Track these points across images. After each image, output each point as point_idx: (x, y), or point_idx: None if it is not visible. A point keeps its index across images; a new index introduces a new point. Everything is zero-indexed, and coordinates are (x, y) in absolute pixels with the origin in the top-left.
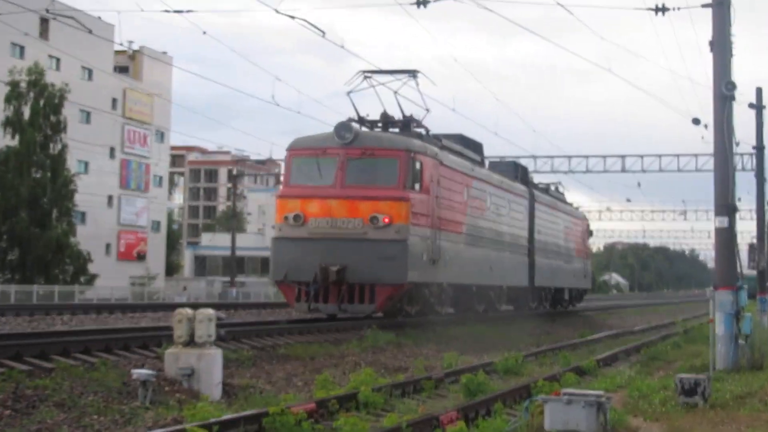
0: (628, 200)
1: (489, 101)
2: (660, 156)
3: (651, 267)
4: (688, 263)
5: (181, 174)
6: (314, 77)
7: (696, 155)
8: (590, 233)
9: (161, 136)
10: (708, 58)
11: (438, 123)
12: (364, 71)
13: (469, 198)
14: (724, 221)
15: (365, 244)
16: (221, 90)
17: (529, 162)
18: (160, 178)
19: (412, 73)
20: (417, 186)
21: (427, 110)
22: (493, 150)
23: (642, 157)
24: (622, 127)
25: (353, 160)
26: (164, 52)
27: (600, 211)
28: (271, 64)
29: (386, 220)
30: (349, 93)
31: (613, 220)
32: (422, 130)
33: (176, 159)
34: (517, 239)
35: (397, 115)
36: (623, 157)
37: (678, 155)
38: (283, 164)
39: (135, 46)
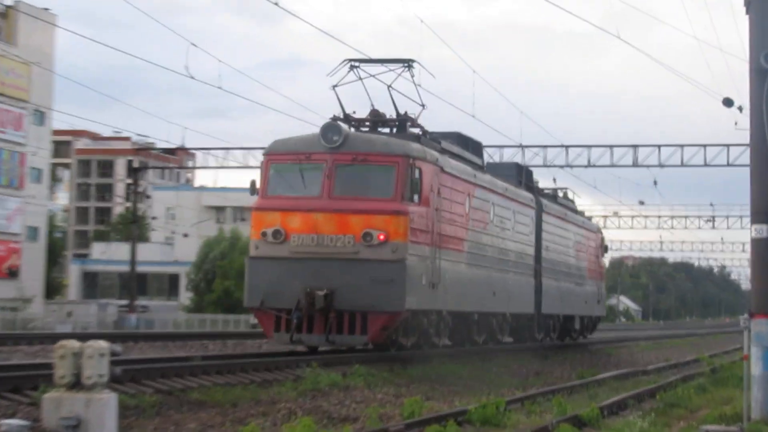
0: (641, 203)
1: (463, 73)
2: (682, 146)
3: (670, 288)
4: (717, 284)
5: (67, 166)
6: (240, 43)
7: (728, 146)
8: (605, 249)
9: (41, 117)
10: (744, 21)
11: (400, 103)
12: (351, 60)
13: (471, 209)
14: (762, 230)
15: (357, 265)
16: (119, 59)
17: (515, 154)
18: (39, 171)
19: (407, 63)
20: (416, 197)
21: (423, 106)
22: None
23: (659, 147)
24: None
25: (343, 167)
26: (46, 9)
27: (605, 217)
28: (184, 26)
29: (381, 237)
30: (334, 87)
31: (622, 229)
32: (418, 130)
33: (60, 147)
34: (522, 257)
35: (389, 113)
36: (635, 147)
37: (705, 145)
38: (259, 171)
39: (8, 1)
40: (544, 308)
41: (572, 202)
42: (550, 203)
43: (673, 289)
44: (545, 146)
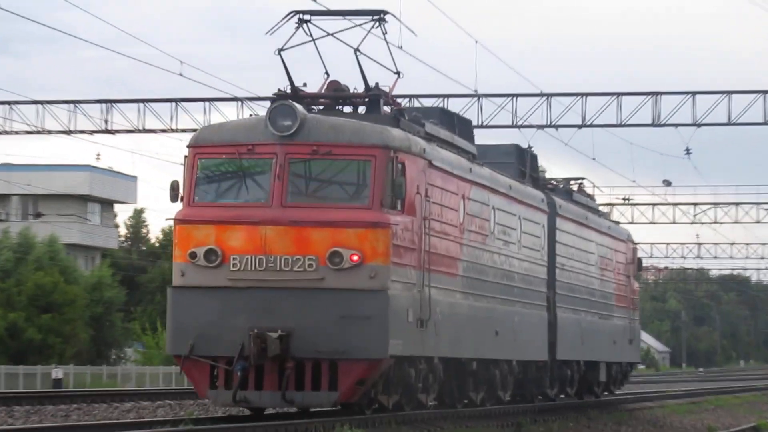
0: (667, 183)
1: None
2: (729, 94)
3: (713, 317)
4: None
5: None
6: None
7: None
8: (639, 265)
9: None
10: None
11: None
12: (298, 12)
13: (467, 217)
14: None
15: (322, 297)
16: None
17: (471, 109)
18: None
19: (378, 16)
20: (398, 203)
21: (398, 74)
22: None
23: (693, 96)
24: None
25: (299, 164)
26: None
27: (611, 205)
28: None
29: (355, 258)
30: (280, 51)
31: (637, 223)
32: (388, 108)
33: None
34: (531, 282)
35: (354, 84)
36: (656, 96)
37: (764, 92)
38: (181, 168)
39: None
40: (559, 353)
41: (592, 198)
42: (565, 203)
43: (719, 319)
44: (514, 95)
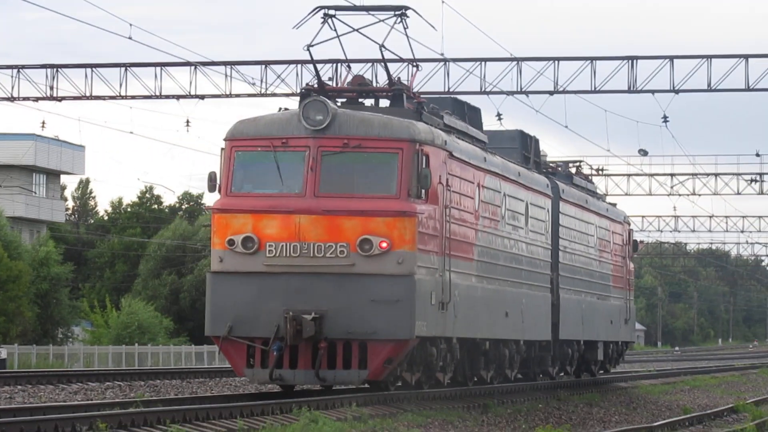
0: (643, 152)
1: None
2: (709, 58)
3: (690, 294)
4: (767, 285)
5: None
6: None
7: None
8: (634, 246)
9: None
10: None
11: None
12: (324, 7)
13: (481, 204)
14: None
15: (353, 282)
16: None
17: (438, 74)
18: None
19: (400, 12)
20: (423, 193)
21: (417, 67)
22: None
23: (671, 60)
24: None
25: (330, 156)
26: None
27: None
28: None
29: (384, 245)
30: (308, 47)
31: (612, 195)
32: (410, 103)
33: None
34: (537, 264)
35: (378, 78)
36: (632, 60)
37: (747, 56)
38: (219, 161)
39: None
40: (562, 333)
41: (590, 180)
42: (567, 187)
43: (696, 296)
44: (483, 59)
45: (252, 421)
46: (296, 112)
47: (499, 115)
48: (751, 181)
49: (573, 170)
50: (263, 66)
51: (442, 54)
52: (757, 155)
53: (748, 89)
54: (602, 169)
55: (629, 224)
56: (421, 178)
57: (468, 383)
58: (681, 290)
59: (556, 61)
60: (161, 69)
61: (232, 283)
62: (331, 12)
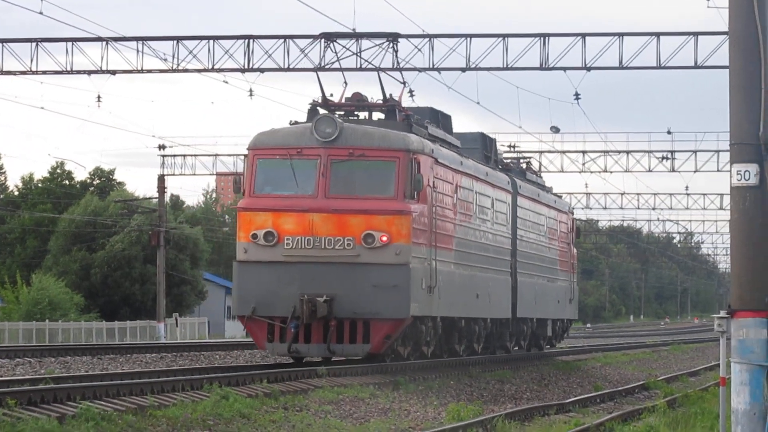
0: (555, 129)
1: None
2: (620, 36)
3: (602, 271)
4: (680, 263)
5: None
6: None
7: (695, 34)
8: (577, 233)
9: None
10: None
11: None
12: (327, 34)
13: (458, 201)
14: (749, 172)
15: (358, 270)
16: None
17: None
18: None
19: (392, 38)
20: (416, 195)
21: (405, 84)
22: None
23: (583, 37)
24: None
25: (338, 164)
26: None
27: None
28: None
29: (384, 239)
30: (317, 70)
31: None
32: (400, 116)
33: None
34: (500, 252)
35: (371, 95)
36: (544, 37)
37: (658, 34)
38: (243, 167)
39: None
40: (519, 312)
41: (539, 176)
42: (523, 183)
43: (608, 273)
44: (395, 35)
45: (162, 398)
46: (309, 125)
47: (411, 91)
48: (663, 158)
49: (524, 165)
50: (175, 42)
51: (353, 29)
52: (669, 133)
53: (659, 67)
54: (514, 146)
55: (573, 213)
56: (415, 182)
57: (443, 355)
58: (593, 267)
59: (469, 38)
60: (72, 44)
61: (255, 270)
62: (332, 39)
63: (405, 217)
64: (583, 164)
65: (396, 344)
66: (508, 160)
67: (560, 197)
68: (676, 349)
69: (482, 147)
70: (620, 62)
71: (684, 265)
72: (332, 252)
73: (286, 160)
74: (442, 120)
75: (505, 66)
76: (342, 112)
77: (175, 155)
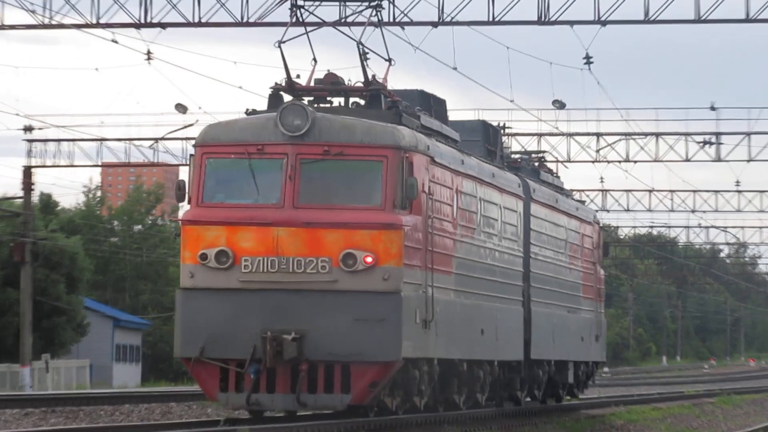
0: (559, 105)
1: None
2: None
3: (623, 296)
4: (729, 284)
5: None
6: None
7: None
8: (606, 250)
9: None
10: None
11: None
12: None
13: (459, 212)
14: None
15: (335, 299)
16: None
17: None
18: None
19: (376, 3)
20: (408, 204)
21: (390, 61)
22: None
23: None
24: None
25: (310, 165)
26: None
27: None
28: None
29: (369, 259)
30: (280, 44)
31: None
32: (384, 101)
33: None
34: (509, 275)
35: (350, 76)
36: None
37: None
38: (189, 169)
39: None
40: (533, 352)
41: (556, 176)
42: (538, 186)
43: (632, 298)
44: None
45: None
46: (272, 116)
47: (364, 53)
48: (704, 143)
49: (536, 162)
50: None
51: None
52: (712, 109)
53: (698, 20)
54: (505, 127)
55: (599, 224)
56: (407, 188)
57: (439, 408)
58: (612, 290)
59: None
60: None
61: (204, 300)
62: (300, 2)
63: (395, 233)
64: (598, 151)
65: (382, 394)
66: (517, 156)
67: (583, 203)
68: (725, 401)
69: (484, 139)
70: (645, 14)
71: (735, 287)
72: (302, 277)
73: (244, 160)
74: (435, 106)
75: (491, 20)
76: (311, 98)
77: (46, 140)
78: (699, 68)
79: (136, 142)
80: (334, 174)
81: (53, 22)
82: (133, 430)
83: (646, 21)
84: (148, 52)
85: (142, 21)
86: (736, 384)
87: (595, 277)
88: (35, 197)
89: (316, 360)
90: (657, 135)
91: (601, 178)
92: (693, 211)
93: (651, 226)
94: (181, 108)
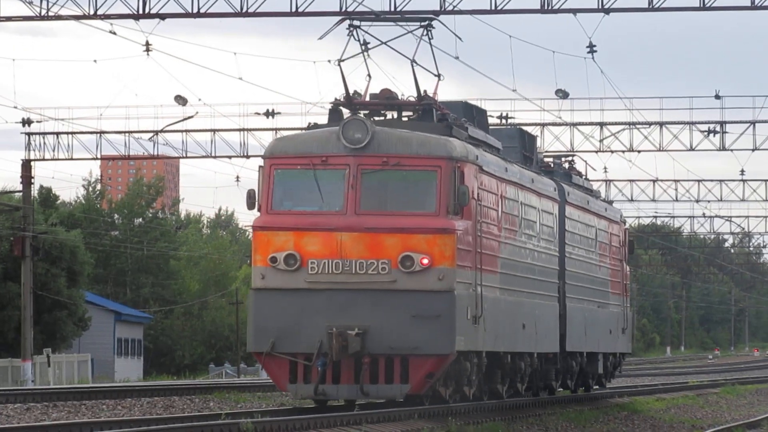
0: (563, 94)
1: None
2: None
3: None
4: (734, 274)
5: None
6: None
7: None
8: (631, 248)
9: None
10: None
11: None
12: (349, 14)
13: (503, 215)
14: None
15: (394, 298)
16: None
17: None
18: None
19: (426, 22)
20: (459, 209)
21: (439, 77)
22: None
23: None
24: None
25: (370, 174)
26: None
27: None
28: None
29: (425, 261)
30: (339, 62)
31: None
32: (435, 114)
33: None
34: (547, 273)
35: (404, 90)
36: None
37: None
38: (258, 179)
39: None
40: (568, 345)
41: (585, 178)
42: (572, 189)
43: (636, 289)
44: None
45: None
46: (335, 130)
47: (366, 43)
48: (708, 132)
49: (566, 165)
50: None
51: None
52: (717, 98)
53: (703, 8)
54: (507, 117)
55: (625, 223)
56: (459, 195)
57: (483, 397)
58: None
59: None
60: None
61: (275, 299)
62: (357, 23)
63: (449, 236)
64: (601, 141)
65: (437, 384)
66: (548, 159)
67: (611, 203)
68: (730, 391)
69: (521, 146)
70: (649, 2)
71: (740, 277)
72: (364, 277)
73: (309, 171)
74: (477, 116)
75: (493, 8)
76: (366, 111)
77: (45, 133)
78: (703, 57)
79: (136, 135)
80: (392, 183)
81: (51, 14)
82: (136, 424)
83: (651, 9)
84: (147, 44)
85: (141, 12)
86: (740, 374)
87: (621, 273)
88: (35, 191)
89: (378, 353)
90: (661, 124)
91: (605, 167)
92: (697, 201)
93: (655, 216)
94: (181, 100)
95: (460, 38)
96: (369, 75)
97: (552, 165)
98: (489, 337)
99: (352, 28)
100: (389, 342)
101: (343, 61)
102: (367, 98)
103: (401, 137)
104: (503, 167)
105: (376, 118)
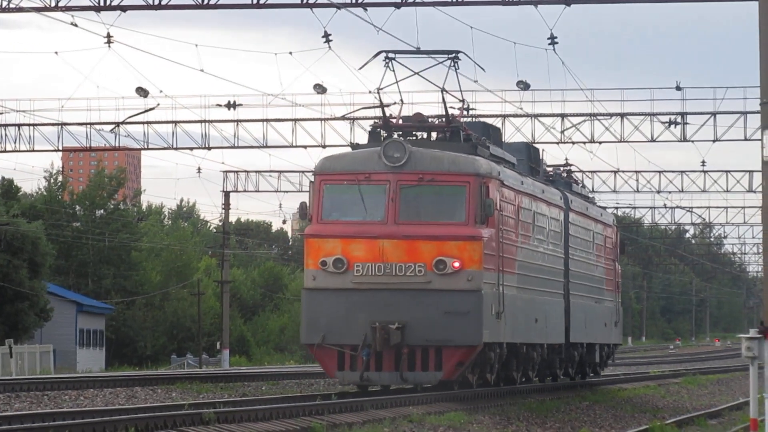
0: (524, 86)
1: None
2: None
3: None
4: (695, 264)
5: None
6: None
7: None
8: (622, 248)
9: None
10: None
11: None
12: (387, 52)
13: (519, 223)
14: None
15: (430, 296)
16: None
17: None
18: None
19: (453, 55)
20: (485, 219)
21: (463, 102)
22: None
23: None
24: None
25: (408, 189)
26: None
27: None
28: None
29: (456, 265)
30: (379, 90)
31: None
32: (461, 134)
33: None
34: (554, 273)
35: (431, 113)
36: None
37: None
38: (309, 192)
39: None
40: (572, 336)
41: (582, 185)
42: (574, 198)
43: None
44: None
45: None
46: (377, 150)
47: (327, 35)
48: (670, 123)
49: (564, 173)
50: None
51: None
52: (678, 89)
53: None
54: (468, 108)
55: (617, 226)
56: (485, 207)
57: (500, 383)
58: None
59: None
60: None
61: (324, 298)
62: (392, 55)
63: (477, 243)
64: (562, 132)
65: (466, 371)
66: (550, 169)
67: (605, 209)
68: (691, 381)
69: (528, 158)
70: None
71: (701, 268)
72: (403, 279)
73: (354, 186)
74: (493, 134)
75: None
76: (400, 132)
77: (6, 125)
78: (664, 48)
79: (97, 127)
80: (427, 196)
81: (11, 5)
82: (98, 415)
83: (612, 0)
84: (108, 36)
85: (102, 4)
86: (701, 364)
87: (614, 271)
88: None
89: (415, 345)
90: (622, 115)
91: (566, 159)
92: (658, 192)
93: (616, 207)
94: (142, 92)
95: (483, 68)
96: (401, 100)
97: (553, 174)
98: (509, 330)
99: (387, 60)
100: (425, 335)
101: (382, 89)
102: (400, 121)
103: (434, 156)
104: (519, 180)
105: (409, 138)
